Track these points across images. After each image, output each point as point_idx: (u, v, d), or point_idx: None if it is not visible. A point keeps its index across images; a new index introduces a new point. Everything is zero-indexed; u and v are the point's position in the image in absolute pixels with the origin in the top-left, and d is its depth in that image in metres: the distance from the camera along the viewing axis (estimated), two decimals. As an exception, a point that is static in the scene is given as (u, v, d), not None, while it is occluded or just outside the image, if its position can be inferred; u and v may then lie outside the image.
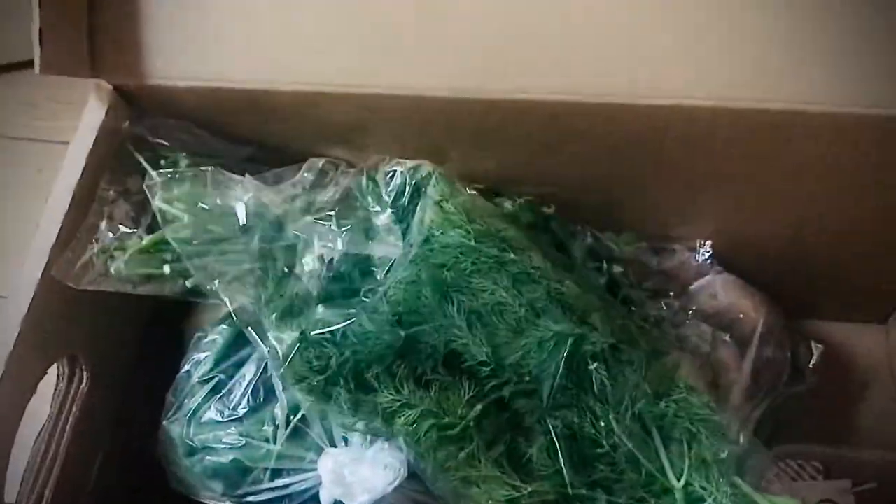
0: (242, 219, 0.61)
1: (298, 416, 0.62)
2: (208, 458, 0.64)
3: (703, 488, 0.51)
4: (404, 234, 0.59)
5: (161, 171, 0.65)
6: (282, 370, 0.56)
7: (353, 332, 0.55)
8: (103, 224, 0.63)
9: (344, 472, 0.60)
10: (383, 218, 0.60)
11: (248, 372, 0.65)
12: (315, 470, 0.62)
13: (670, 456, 0.53)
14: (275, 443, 0.63)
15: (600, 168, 0.67)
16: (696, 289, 0.71)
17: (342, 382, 0.54)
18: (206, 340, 0.67)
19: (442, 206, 0.57)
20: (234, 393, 0.64)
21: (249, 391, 0.64)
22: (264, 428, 0.63)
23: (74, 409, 0.64)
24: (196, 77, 0.63)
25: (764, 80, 0.59)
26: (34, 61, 0.61)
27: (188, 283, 0.59)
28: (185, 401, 0.66)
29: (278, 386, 0.63)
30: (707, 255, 0.71)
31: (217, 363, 0.66)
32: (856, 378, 0.79)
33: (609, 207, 0.71)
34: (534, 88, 0.60)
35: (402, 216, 0.61)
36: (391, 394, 0.53)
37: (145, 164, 0.66)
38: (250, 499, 0.64)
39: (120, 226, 0.62)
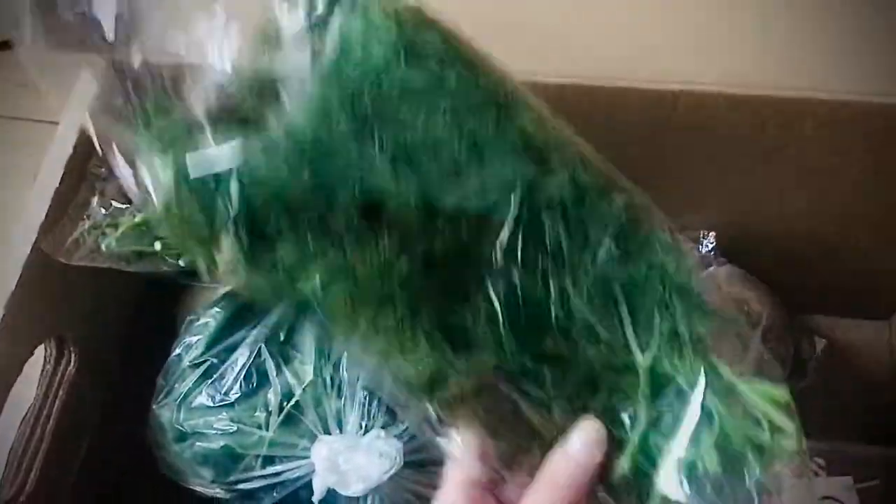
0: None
1: (292, 402, 0.61)
2: (198, 444, 0.63)
3: (674, 368, 0.42)
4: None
5: (154, 149, 0.64)
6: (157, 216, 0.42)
7: (247, 171, 0.42)
8: (95, 200, 0.61)
9: (338, 459, 0.60)
10: (291, 22, 0.44)
11: (241, 356, 0.63)
12: (308, 457, 0.61)
13: (637, 329, 0.43)
14: (267, 429, 0.62)
15: (602, 155, 0.66)
16: (699, 280, 0.70)
17: (234, 234, 0.41)
18: (198, 323, 0.66)
19: (367, 12, 0.43)
20: (225, 377, 0.63)
21: (242, 376, 0.63)
22: (256, 414, 0.62)
23: (61, 391, 0.63)
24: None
25: (772, 66, 0.58)
26: (24, 36, 0.59)
27: (181, 262, 0.58)
28: (176, 385, 0.64)
29: (272, 371, 0.62)
30: (710, 246, 0.70)
31: (209, 347, 0.65)
32: (858, 373, 0.79)
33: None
34: (538, 71, 0.59)
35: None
36: (293, 247, 0.41)
37: (138, 143, 0.64)
38: (241, 486, 0.63)
39: (112, 202, 0.61)
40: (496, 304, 0.42)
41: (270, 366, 0.62)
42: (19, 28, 0.58)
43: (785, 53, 0.58)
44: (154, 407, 0.64)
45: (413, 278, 0.42)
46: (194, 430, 0.63)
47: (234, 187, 0.41)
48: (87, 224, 0.59)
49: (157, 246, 0.58)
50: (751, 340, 0.65)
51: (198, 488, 0.64)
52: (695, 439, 0.41)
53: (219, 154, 0.42)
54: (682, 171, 0.67)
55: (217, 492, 0.64)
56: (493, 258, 0.42)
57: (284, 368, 0.62)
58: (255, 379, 0.62)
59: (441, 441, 0.44)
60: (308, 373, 0.61)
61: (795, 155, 0.63)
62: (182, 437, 0.63)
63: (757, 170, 0.66)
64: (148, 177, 0.42)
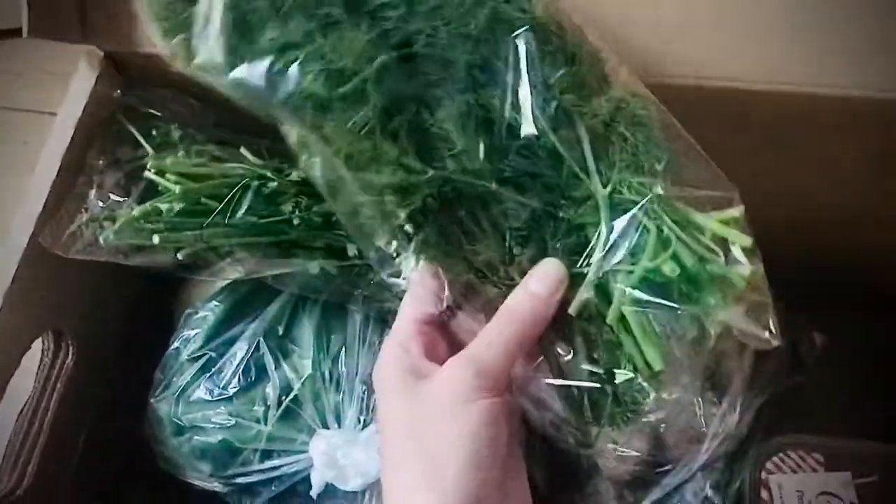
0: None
1: (290, 396, 0.61)
2: (196, 437, 0.63)
3: (632, 201, 0.43)
4: None
5: (152, 141, 0.63)
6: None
7: None
8: (92, 193, 0.61)
9: (337, 454, 0.60)
10: None
11: (240, 350, 0.63)
12: (306, 452, 0.61)
13: (598, 161, 0.44)
14: (265, 424, 0.61)
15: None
16: (698, 275, 0.69)
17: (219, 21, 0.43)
18: (196, 317, 0.66)
19: None
20: (224, 371, 0.63)
21: (240, 370, 0.63)
22: (255, 408, 0.62)
23: (59, 384, 0.63)
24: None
25: (767, 58, 0.58)
26: (23, 26, 0.59)
27: (179, 256, 0.57)
28: (174, 378, 0.64)
29: (270, 365, 0.62)
30: (710, 241, 0.70)
31: (208, 340, 0.64)
32: (857, 368, 0.78)
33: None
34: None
35: None
36: (274, 31, 0.42)
37: (136, 134, 0.64)
38: (239, 480, 0.63)
39: (110, 194, 0.61)
40: (468, 116, 0.42)
41: (269, 360, 0.62)
42: (18, 17, 0.58)
43: (783, 46, 0.58)
44: (152, 401, 0.64)
45: (388, 74, 0.42)
46: (192, 423, 0.62)
47: None
48: (84, 217, 0.59)
49: (156, 239, 0.57)
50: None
51: (196, 482, 0.64)
52: (650, 261, 0.42)
53: None
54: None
55: (215, 486, 0.64)
56: (467, 69, 0.43)
57: (283, 362, 0.62)
58: (254, 373, 0.62)
59: (397, 281, 0.45)
60: (306, 367, 0.61)
61: (795, 150, 0.63)
62: (180, 430, 0.63)
63: (754, 165, 0.66)
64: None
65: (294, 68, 0.42)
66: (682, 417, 0.60)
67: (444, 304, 0.44)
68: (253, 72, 0.43)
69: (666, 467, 0.66)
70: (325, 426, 0.60)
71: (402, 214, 0.42)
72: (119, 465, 0.70)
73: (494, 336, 0.40)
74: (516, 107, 0.43)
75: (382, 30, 0.42)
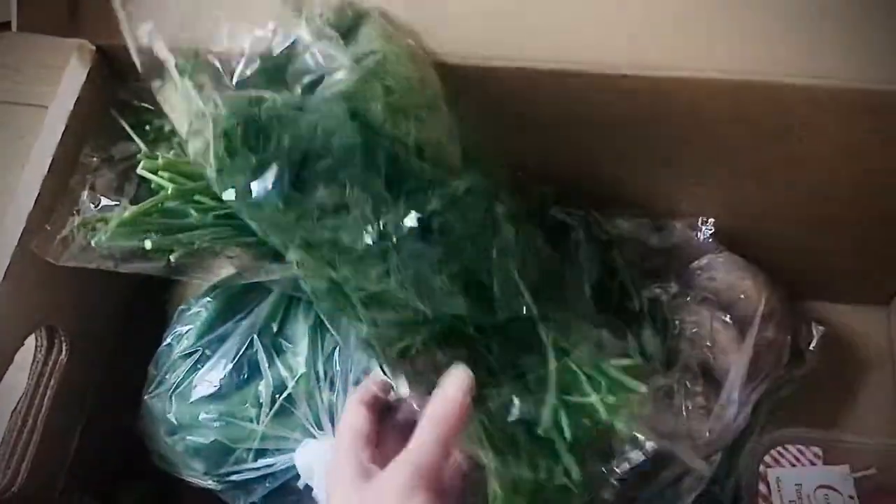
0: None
1: (284, 395, 0.61)
2: (189, 437, 0.62)
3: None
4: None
5: (146, 136, 0.63)
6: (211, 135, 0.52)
7: (304, 123, 0.52)
8: (85, 194, 0.60)
9: (316, 469, 0.59)
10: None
11: (232, 347, 0.63)
12: (300, 450, 0.61)
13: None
14: (258, 423, 0.61)
15: (601, 142, 0.65)
16: (696, 267, 0.69)
17: (277, 169, 0.50)
18: (189, 313, 0.65)
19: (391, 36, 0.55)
20: (216, 369, 0.62)
21: (233, 367, 0.62)
22: (248, 407, 0.61)
23: (53, 381, 0.62)
24: (182, 39, 0.61)
25: (771, 53, 0.58)
26: (11, 20, 0.58)
27: (172, 259, 0.57)
28: (167, 375, 0.64)
29: (263, 363, 0.62)
30: (709, 232, 0.70)
31: (200, 337, 0.64)
32: (857, 361, 0.78)
33: (610, 183, 0.69)
34: (536, 57, 0.58)
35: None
36: (330, 192, 0.50)
37: (129, 130, 0.63)
38: (233, 478, 0.63)
39: (102, 197, 0.60)
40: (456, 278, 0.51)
41: (262, 357, 0.61)
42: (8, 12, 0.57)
43: (783, 40, 0.58)
44: (146, 398, 0.64)
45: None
46: (185, 423, 0.62)
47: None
48: (76, 220, 0.58)
49: (148, 244, 0.57)
50: (749, 327, 0.65)
51: (190, 479, 0.64)
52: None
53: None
54: (679, 159, 0.66)
55: (209, 483, 0.64)
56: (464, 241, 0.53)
57: (276, 360, 0.62)
58: (247, 370, 0.62)
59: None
60: (300, 365, 0.61)
61: (794, 141, 0.63)
62: (173, 429, 0.63)
63: (755, 156, 0.65)
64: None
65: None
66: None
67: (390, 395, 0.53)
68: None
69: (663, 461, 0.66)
70: (319, 426, 0.60)
71: (398, 346, 0.51)
72: (115, 461, 0.70)
73: (425, 437, 0.47)
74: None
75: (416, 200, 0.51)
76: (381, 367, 0.52)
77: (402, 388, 0.51)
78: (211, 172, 0.51)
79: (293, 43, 0.55)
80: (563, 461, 0.51)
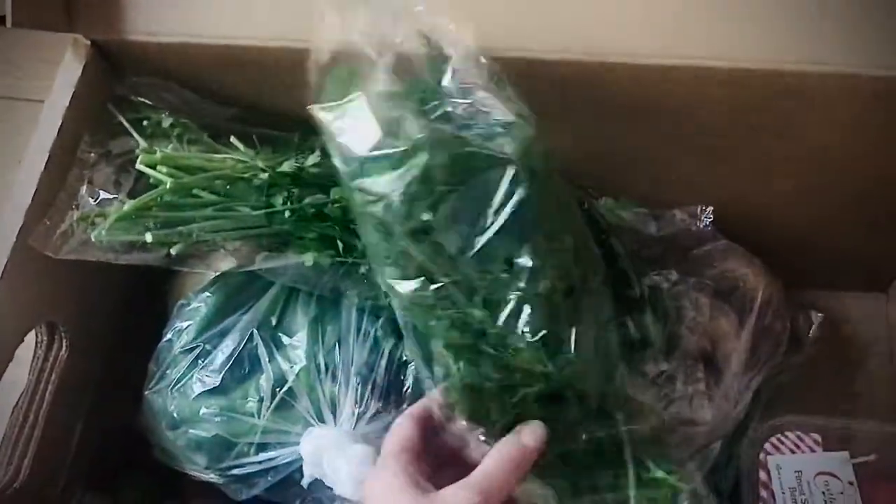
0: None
1: (284, 388, 0.60)
2: (191, 431, 0.62)
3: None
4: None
5: (143, 131, 0.62)
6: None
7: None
8: (83, 189, 0.60)
9: (322, 460, 0.59)
10: None
11: (232, 341, 0.62)
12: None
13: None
14: (259, 417, 0.61)
15: (601, 130, 0.65)
16: (695, 256, 0.69)
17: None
18: (188, 308, 0.65)
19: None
20: (217, 363, 0.62)
21: (233, 362, 0.62)
22: (248, 401, 0.61)
23: (53, 376, 0.62)
24: (179, 33, 0.61)
25: (763, 40, 0.57)
26: (6, 14, 0.58)
27: (172, 251, 0.57)
28: (168, 371, 0.64)
29: (263, 357, 0.61)
30: (708, 221, 0.70)
31: (200, 332, 0.64)
32: (855, 348, 0.79)
33: (609, 171, 0.69)
34: (537, 46, 0.58)
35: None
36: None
37: (127, 126, 0.63)
38: (235, 472, 0.63)
39: (100, 191, 0.60)
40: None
41: (262, 351, 0.61)
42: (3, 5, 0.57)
43: (776, 27, 0.58)
44: (146, 393, 0.64)
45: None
46: (186, 417, 0.62)
47: None
48: (75, 215, 0.58)
49: (149, 237, 0.57)
50: (748, 315, 0.65)
51: (192, 473, 0.64)
52: None
53: None
54: (677, 148, 0.66)
55: (211, 477, 0.63)
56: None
57: (276, 354, 0.61)
58: (247, 365, 0.61)
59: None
60: (301, 358, 0.60)
61: (792, 129, 0.63)
62: (175, 424, 0.63)
63: (753, 144, 0.65)
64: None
65: None
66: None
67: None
68: None
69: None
70: (321, 419, 0.60)
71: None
72: (116, 457, 0.70)
73: (491, 468, 0.48)
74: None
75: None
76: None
77: (462, 421, 0.51)
78: (396, 197, 0.48)
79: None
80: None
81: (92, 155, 0.62)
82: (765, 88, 0.59)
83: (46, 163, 0.59)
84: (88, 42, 0.62)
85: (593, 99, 0.61)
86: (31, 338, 0.61)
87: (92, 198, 0.60)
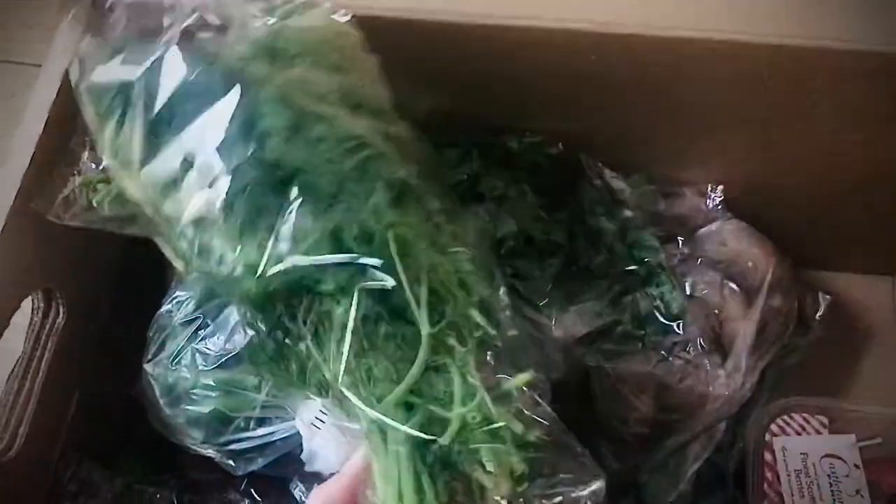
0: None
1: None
2: (188, 406, 0.61)
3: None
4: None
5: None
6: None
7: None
8: (85, 155, 0.58)
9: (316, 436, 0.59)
10: None
11: (232, 314, 0.61)
12: (300, 417, 0.60)
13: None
14: (259, 392, 0.60)
15: (611, 104, 0.65)
16: (704, 234, 0.69)
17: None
18: (189, 279, 0.64)
19: None
20: (216, 336, 0.61)
21: (233, 335, 0.61)
22: (248, 376, 0.60)
23: (50, 344, 0.61)
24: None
25: (782, 14, 0.57)
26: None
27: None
28: (167, 342, 0.63)
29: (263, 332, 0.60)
30: (718, 200, 0.69)
31: (200, 304, 0.63)
32: (863, 330, 0.78)
33: (619, 147, 0.68)
34: (546, 16, 0.57)
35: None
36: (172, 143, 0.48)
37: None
38: (232, 447, 0.62)
39: (103, 157, 0.58)
40: None
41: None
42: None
43: (795, 1, 0.57)
44: (145, 365, 0.63)
45: None
46: (184, 391, 0.61)
47: None
48: (77, 180, 0.57)
49: (149, 210, 0.55)
50: (757, 296, 0.65)
51: (189, 446, 0.63)
52: None
53: None
54: (689, 125, 0.66)
55: (209, 451, 0.63)
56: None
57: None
58: (247, 339, 0.60)
59: None
60: (301, 332, 0.59)
61: (803, 108, 0.62)
62: (172, 396, 0.62)
63: (765, 123, 0.65)
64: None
65: None
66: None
67: None
68: None
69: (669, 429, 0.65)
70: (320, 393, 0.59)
71: None
72: (115, 426, 0.69)
73: None
74: None
75: None
76: None
77: None
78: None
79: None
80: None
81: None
82: (781, 66, 0.58)
83: (44, 127, 0.58)
84: (90, 2, 0.61)
85: (606, 68, 0.60)
86: (27, 304, 0.60)
87: (94, 163, 0.58)
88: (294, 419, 0.60)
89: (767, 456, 0.64)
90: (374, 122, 0.50)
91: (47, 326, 0.62)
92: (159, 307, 0.65)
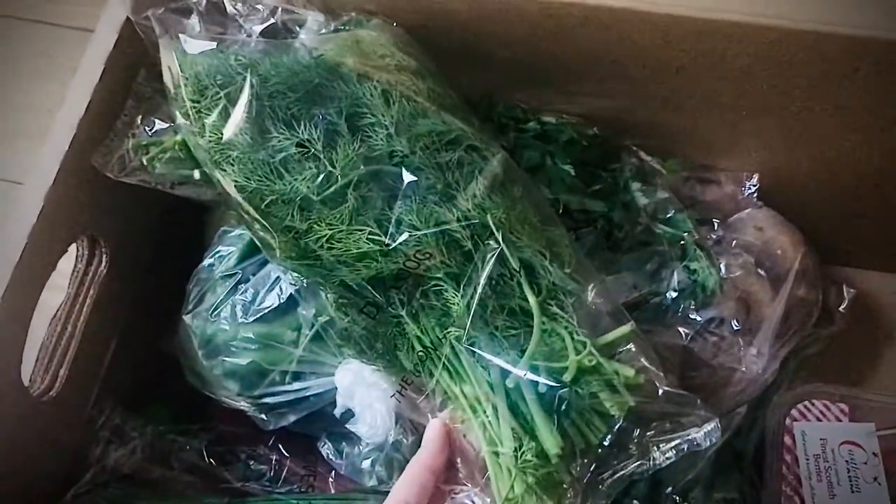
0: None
1: (322, 318, 0.60)
2: (226, 357, 0.62)
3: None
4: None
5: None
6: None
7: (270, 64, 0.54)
8: (139, 118, 0.60)
9: (355, 395, 0.59)
10: None
11: (273, 271, 0.62)
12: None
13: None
14: (296, 346, 0.61)
15: (648, 88, 0.65)
16: (736, 220, 0.70)
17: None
18: (231, 235, 0.65)
19: None
20: (257, 291, 0.62)
21: (273, 291, 0.62)
22: (287, 331, 0.61)
23: (92, 290, 0.62)
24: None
25: (828, 2, 0.57)
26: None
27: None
28: (207, 294, 0.64)
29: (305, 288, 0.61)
30: (753, 188, 0.70)
31: (242, 259, 0.64)
32: (885, 326, 0.79)
33: (656, 131, 0.69)
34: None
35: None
36: (284, 132, 0.52)
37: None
38: (267, 400, 0.63)
39: (156, 120, 0.59)
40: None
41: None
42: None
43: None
44: (184, 316, 0.64)
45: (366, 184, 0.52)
46: (222, 343, 0.62)
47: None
48: (131, 142, 0.59)
49: (196, 174, 0.57)
50: (783, 283, 0.65)
51: (223, 399, 0.64)
52: None
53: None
54: (725, 109, 0.66)
55: (242, 404, 0.63)
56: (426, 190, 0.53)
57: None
58: (287, 295, 0.61)
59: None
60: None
61: (840, 100, 0.62)
62: (209, 349, 0.63)
63: (799, 114, 0.65)
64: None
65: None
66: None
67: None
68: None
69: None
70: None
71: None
72: (147, 377, 0.70)
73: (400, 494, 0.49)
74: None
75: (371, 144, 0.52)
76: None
77: None
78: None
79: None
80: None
81: (148, 89, 0.61)
82: (817, 56, 0.58)
83: (101, 76, 0.59)
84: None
85: (647, 50, 0.61)
86: (72, 250, 0.61)
87: (148, 128, 0.59)
88: (329, 374, 0.61)
89: (787, 439, 0.65)
90: (461, 116, 0.56)
91: (90, 273, 0.63)
92: (194, 267, 0.66)
